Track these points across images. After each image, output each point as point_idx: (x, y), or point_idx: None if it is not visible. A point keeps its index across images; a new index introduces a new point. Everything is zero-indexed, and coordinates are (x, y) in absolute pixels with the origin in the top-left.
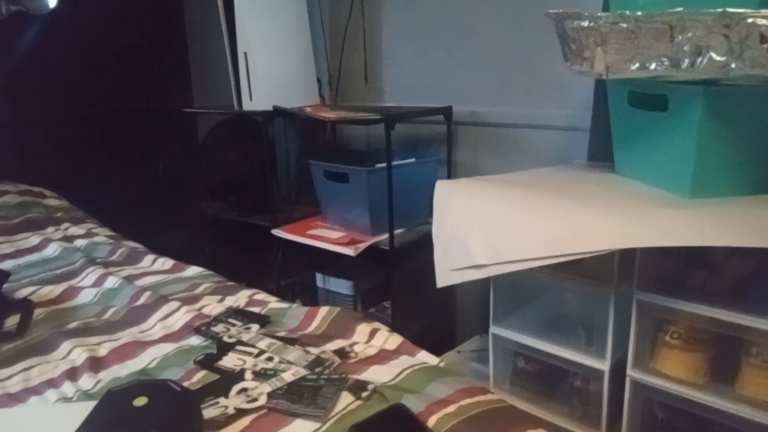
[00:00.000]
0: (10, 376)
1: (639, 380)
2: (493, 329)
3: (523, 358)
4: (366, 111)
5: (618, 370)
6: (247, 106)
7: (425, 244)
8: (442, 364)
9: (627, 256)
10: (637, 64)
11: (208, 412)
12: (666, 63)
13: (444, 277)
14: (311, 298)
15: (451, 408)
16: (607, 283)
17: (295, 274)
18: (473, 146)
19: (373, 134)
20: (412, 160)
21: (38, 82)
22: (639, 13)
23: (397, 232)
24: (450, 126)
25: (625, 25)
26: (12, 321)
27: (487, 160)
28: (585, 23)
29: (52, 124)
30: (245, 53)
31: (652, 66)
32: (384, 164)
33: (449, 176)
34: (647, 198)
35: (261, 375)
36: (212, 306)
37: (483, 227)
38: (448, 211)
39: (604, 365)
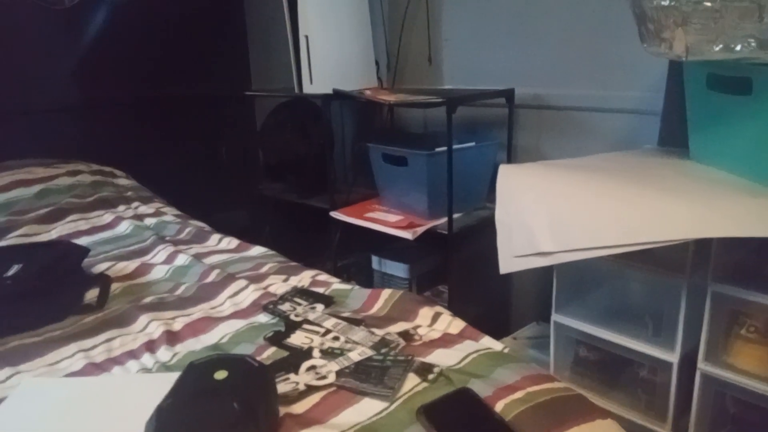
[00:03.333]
0: (94, 347)
1: (710, 374)
2: (556, 317)
3: (585, 347)
4: (425, 93)
5: (687, 362)
6: (308, 89)
7: (483, 228)
8: (506, 350)
9: (702, 245)
10: (721, 45)
11: (281, 387)
12: (753, 44)
13: (507, 264)
14: (367, 279)
15: (518, 394)
16: (680, 273)
17: (351, 256)
18: (535, 130)
19: (431, 117)
20: (472, 144)
21: (107, 67)
22: None
23: (455, 216)
24: (511, 109)
25: (709, 4)
26: (91, 294)
27: (550, 144)
28: (665, 2)
29: (120, 107)
30: (306, 36)
31: (738, 47)
32: (444, 148)
33: (509, 160)
34: (727, 186)
35: (328, 354)
36: (278, 285)
37: (549, 213)
38: (512, 196)
39: (674, 357)
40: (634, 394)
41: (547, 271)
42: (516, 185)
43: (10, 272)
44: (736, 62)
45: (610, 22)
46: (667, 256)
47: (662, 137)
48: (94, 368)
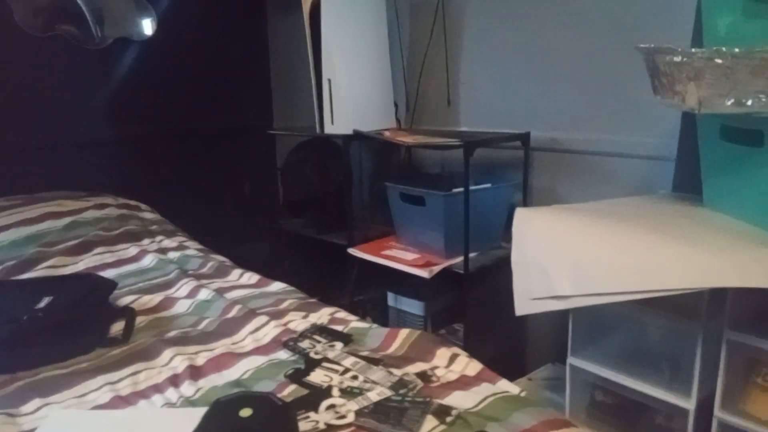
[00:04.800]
0: (120, 380)
1: (727, 422)
2: (572, 360)
3: (601, 391)
4: (442, 135)
5: (704, 410)
6: (329, 129)
7: (499, 268)
8: (523, 394)
9: (717, 292)
10: (733, 100)
11: (301, 426)
12: (764, 99)
13: (523, 306)
14: (382, 315)
15: None
16: (695, 320)
17: (368, 292)
18: (551, 172)
19: (448, 157)
20: (488, 185)
21: (134, 104)
22: (736, 49)
23: (470, 255)
24: (527, 152)
25: (720, 61)
26: (117, 327)
27: (566, 187)
28: (678, 58)
29: (146, 143)
30: (329, 80)
31: (749, 102)
32: (461, 189)
33: (525, 202)
34: (741, 235)
35: (347, 393)
36: (297, 322)
37: (566, 257)
38: (529, 238)
39: (690, 404)
40: None
41: (563, 312)
42: (533, 228)
43: (41, 304)
44: (748, 115)
45: (625, 68)
46: (684, 303)
47: (676, 183)
48: (120, 401)
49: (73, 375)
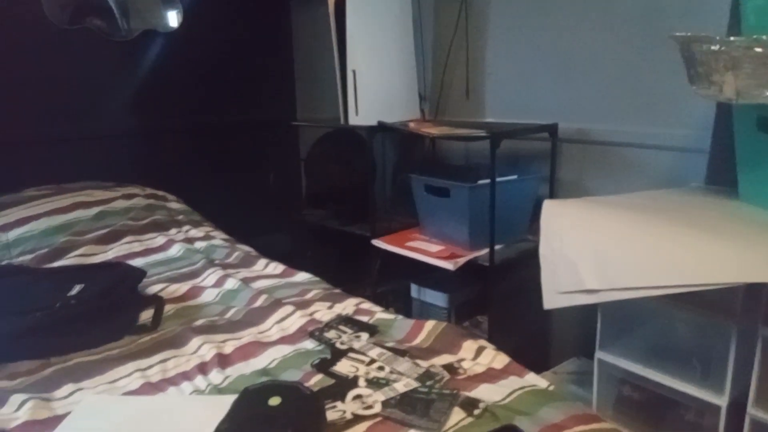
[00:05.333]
0: (150, 366)
1: (761, 419)
2: (599, 354)
3: (629, 386)
4: (467, 126)
5: (737, 407)
6: (353, 120)
7: (524, 260)
8: (551, 388)
9: (753, 288)
10: None
11: (328, 415)
12: None
13: (551, 300)
14: (405, 307)
15: None
16: (730, 316)
17: (391, 283)
18: (579, 164)
19: (473, 149)
20: (515, 176)
21: (161, 95)
22: None
23: (496, 247)
24: (555, 143)
25: (760, 50)
26: (146, 315)
27: (594, 179)
28: (715, 47)
29: (173, 134)
30: (354, 71)
31: None
32: (487, 181)
33: (552, 194)
34: None
35: (374, 383)
36: (323, 312)
37: (595, 251)
38: (557, 231)
39: (722, 401)
40: None
41: (590, 305)
42: (561, 221)
43: (73, 292)
44: None
45: (656, 57)
46: (717, 298)
47: (710, 176)
48: (150, 388)
49: (104, 361)
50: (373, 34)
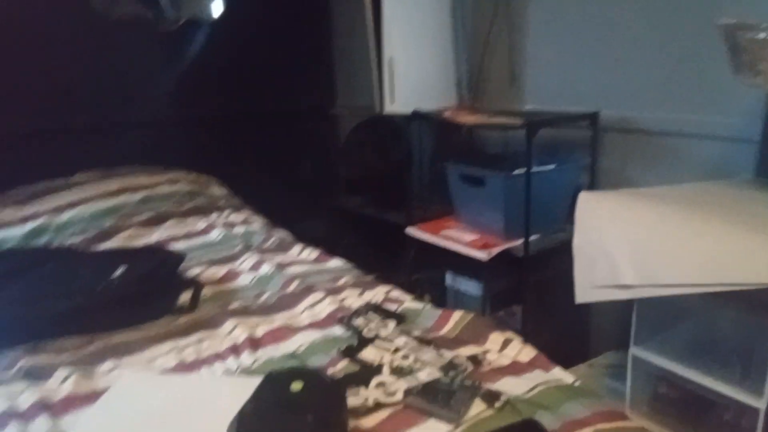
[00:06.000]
0: (186, 347)
1: None
2: (634, 350)
3: (665, 383)
4: (506, 115)
5: None
6: (389, 108)
7: (561, 251)
8: (577, 383)
9: None
10: None
11: (351, 401)
12: None
13: (584, 293)
14: (440, 295)
15: (586, 430)
16: None
17: (425, 271)
18: (621, 154)
19: (512, 136)
20: (553, 166)
21: (203, 83)
22: None
23: (531, 238)
24: (596, 132)
25: None
26: (185, 297)
27: (636, 169)
28: (762, 35)
29: (214, 120)
30: (390, 58)
31: None
32: (523, 170)
33: (592, 184)
34: None
35: (397, 371)
36: (353, 299)
37: (632, 245)
38: (593, 224)
39: (761, 403)
40: None
41: (629, 299)
42: (597, 213)
43: (116, 274)
44: None
45: (703, 43)
46: (761, 296)
47: (760, 167)
48: (184, 367)
49: (143, 340)
50: (410, 20)
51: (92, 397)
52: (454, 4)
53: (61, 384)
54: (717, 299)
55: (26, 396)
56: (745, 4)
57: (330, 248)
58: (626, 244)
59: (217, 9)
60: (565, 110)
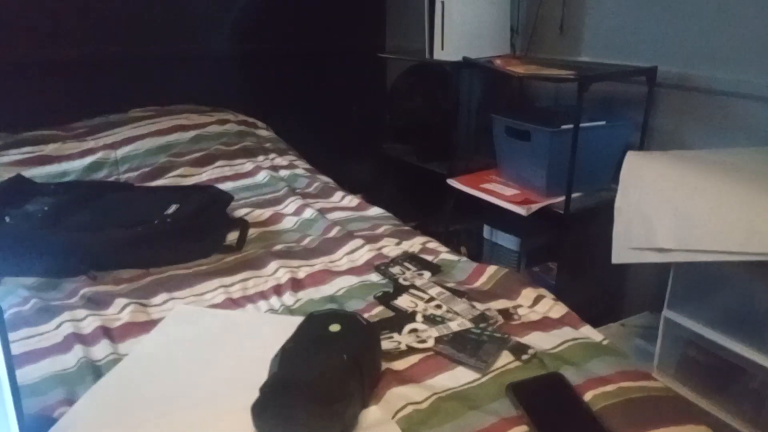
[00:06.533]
0: (232, 284)
1: None
2: (668, 313)
3: (695, 347)
4: (559, 66)
5: None
6: (438, 55)
7: (603, 210)
8: (605, 342)
9: None
10: None
11: (384, 345)
12: None
13: (621, 254)
14: (477, 247)
15: (609, 387)
16: None
17: (464, 222)
18: (677, 113)
19: (563, 89)
20: (603, 122)
21: (257, 20)
22: None
23: (574, 195)
24: (652, 89)
25: None
26: (232, 236)
27: (691, 130)
28: None
29: (264, 60)
30: (443, 2)
31: None
32: (570, 126)
33: (642, 143)
34: None
35: (430, 320)
36: (390, 248)
37: (674, 208)
38: (637, 185)
39: None
40: (741, 404)
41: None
42: (642, 174)
43: (170, 210)
44: None
45: None
46: None
47: None
48: (231, 303)
49: (194, 276)
50: None
51: (148, 326)
52: None
53: (120, 312)
54: (755, 268)
55: (89, 321)
56: None
57: (372, 194)
58: (667, 206)
59: None
60: (622, 63)
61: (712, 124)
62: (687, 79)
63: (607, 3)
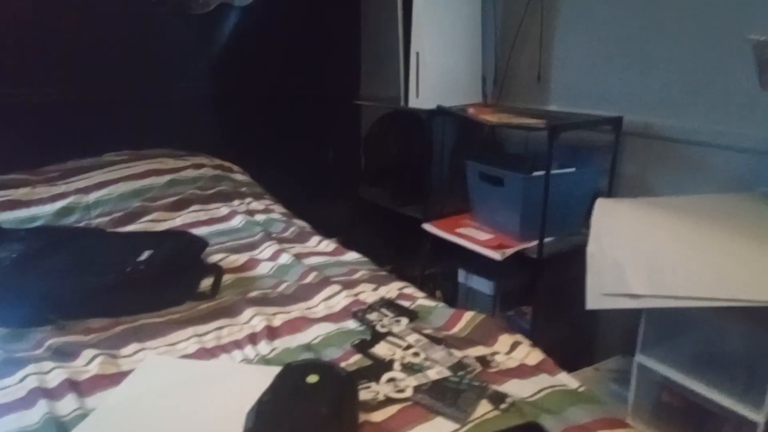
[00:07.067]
0: (206, 333)
1: None
2: (640, 358)
3: (668, 392)
4: (530, 114)
5: None
6: (413, 102)
7: (575, 255)
8: (582, 389)
9: None
10: None
11: (362, 395)
12: None
13: (595, 301)
14: (452, 291)
15: None
16: None
17: (439, 265)
18: (642, 160)
19: (534, 136)
20: (573, 169)
21: (232, 67)
22: None
23: (546, 240)
24: (618, 137)
25: None
26: (206, 283)
27: (657, 177)
28: None
29: (241, 105)
30: (417, 53)
31: None
32: (542, 172)
33: (611, 189)
34: None
35: (408, 368)
36: (367, 293)
37: (645, 255)
38: (608, 231)
39: (760, 416)
40: None
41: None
42: (613, 221)
43: (143, 257)
44: None
45: (733, 52)
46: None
47: None
48: (205, 353)
49: (166, 324)
50: (440, 16)
51: (117, 378)
52: (485, 1)
53: (88, 364)
54: (725, 313)
55: (55, 374)
56: None
57: (349, 238)
58: (639, 253)
59: None
60: (589, 113)
61: (676, 171)
62: (651, 128)
63: (575, 55)
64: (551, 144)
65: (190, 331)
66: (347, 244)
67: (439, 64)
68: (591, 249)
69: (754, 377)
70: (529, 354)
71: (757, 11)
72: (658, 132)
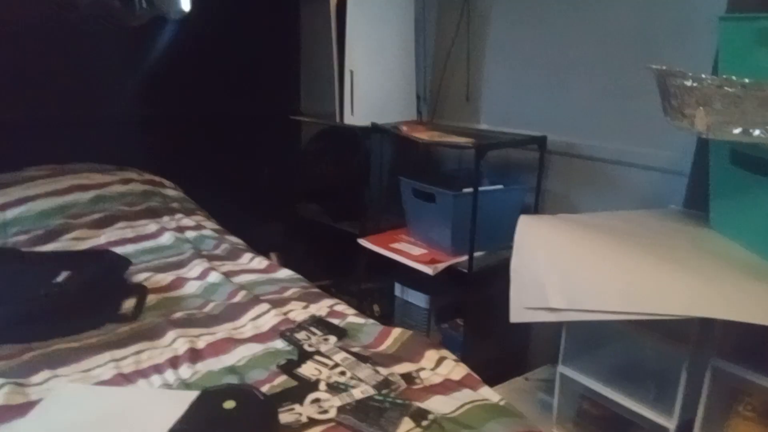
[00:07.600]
0: (124, 357)
1: None
2: (562, 369)
3: (588, 401)
4: (461, 132)
5: (685, 431)
6: (348, 120)
7: (505, 269)
8: (503, 403)
9: (708, 319)
10: (740, 129)
11: (284, 417)
12: None
13: (518, 314)
14: (389, 306)
15: None
16: (684, 344)
17: (376, 280)
18: (566, 177)
19: (466, 154)
20: (501, 186)
21: (166, 83)
22: (746, 80)
23: (477, 254)
24: (543, 156)
25: (730, 90)
26: (128, 304)
27: (579, 193)
28: (688, 83)
29: (175, 121)
30: (351, 71)
31: (756, 132)
32: (471, 189)
33: (537, 205)
34: (740, 264)
35: (333, 388)
36: (297, 312)
37: (562, 270)
38: (529, 247)
39: (671, 423)
40: None
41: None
42: (534, 238)
43: (59, 279)
44: (756, 145)
45: (643, 79)
46: (675, 326)
47: (688, 199)
48: (122, 379)
49: (82, 349)
50: (373, 34)
51: (25, 409)
52: (419, 21)
53: None
54: (637, 326)
55: None
56: (687, 44)
57: (286, 254)
58: (556, 269)
59: (186, 6)
60: (517, 132)
61: (597, 189)
62: (573, 147)
63: (502, 77)
64: (478, 162)
65: (107, 355)
66: (285, 260)
67: (374, 82)
68: (514, 264)
69: (665, 387)
70: (453, 369)
71: (661, 43)
72: (579, 151)
